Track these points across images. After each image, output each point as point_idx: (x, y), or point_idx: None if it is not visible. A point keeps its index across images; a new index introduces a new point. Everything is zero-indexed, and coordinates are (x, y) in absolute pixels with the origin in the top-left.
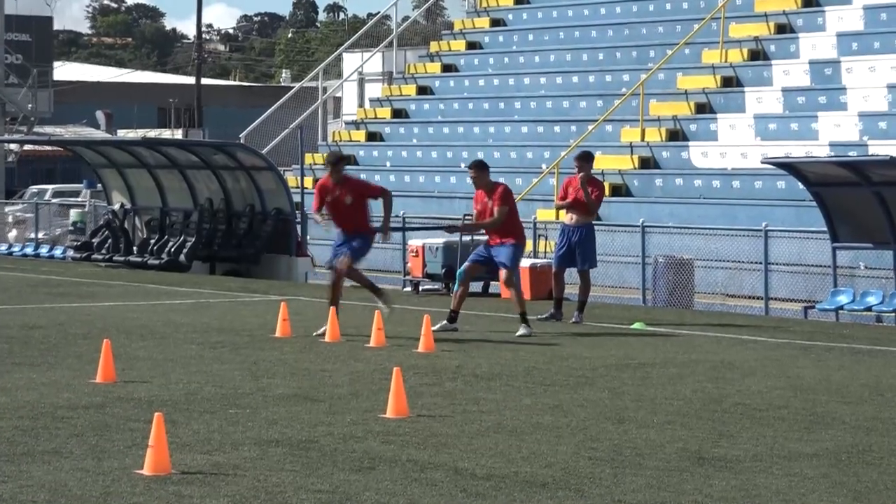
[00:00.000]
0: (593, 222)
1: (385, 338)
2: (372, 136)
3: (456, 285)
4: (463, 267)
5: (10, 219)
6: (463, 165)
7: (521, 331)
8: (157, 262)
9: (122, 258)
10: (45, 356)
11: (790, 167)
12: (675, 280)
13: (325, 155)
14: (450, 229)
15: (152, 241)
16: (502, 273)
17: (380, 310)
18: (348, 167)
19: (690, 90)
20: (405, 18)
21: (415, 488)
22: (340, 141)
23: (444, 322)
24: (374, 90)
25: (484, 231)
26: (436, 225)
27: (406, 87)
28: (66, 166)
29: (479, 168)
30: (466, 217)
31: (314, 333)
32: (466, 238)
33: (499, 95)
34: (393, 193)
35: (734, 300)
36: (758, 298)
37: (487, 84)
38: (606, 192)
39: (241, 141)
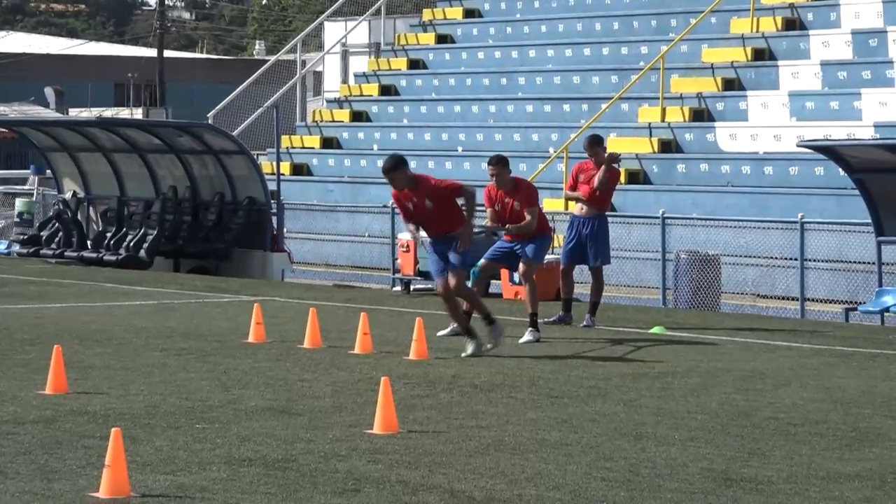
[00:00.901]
0: (607, 213)
1: (372, 343)
2: (357, 116)
3: (469, 284)
4: (478, 264)
5: None
6: (460, 149)
7: (527, 336)
8: (114, 258)
9: (74, 254)
10: None
11: (830, 151)
12: (700, 279)
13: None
14: (487, 234)
15: (109, 235)
16: (522, 265)
17: (478, 340)
18: (331, 151)
19: (717, 64)
20: None
21: None
22: (322, 121)
23: (454, 325)
24: (360, 64)
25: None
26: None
27: (395, 60)
28: (10, 150)
29: (503, 164)
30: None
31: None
32: None
33: (500, 70)
34: (381, 180)
35: (766, 301)
36: (793, 299)
37: (488, 57)
38: (622, 178)
39: (209, 121)
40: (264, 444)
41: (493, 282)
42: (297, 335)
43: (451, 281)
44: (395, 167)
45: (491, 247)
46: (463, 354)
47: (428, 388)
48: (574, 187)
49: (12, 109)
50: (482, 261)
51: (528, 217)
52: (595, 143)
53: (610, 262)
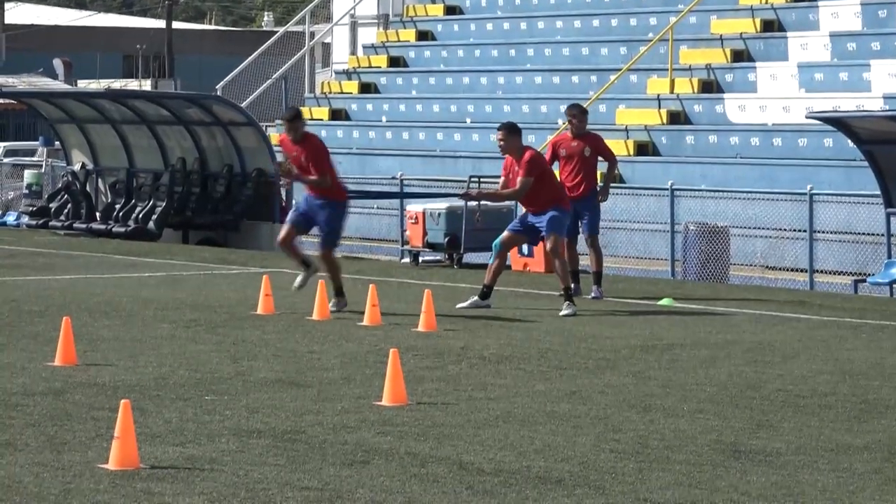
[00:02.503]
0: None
1: (381, 315)
2: (366, 88)
3: (491, 257)
4: (500, 237)
5: None
6: (469, 121)
7: (566, 310)
8: (122, 229)
9: (83, 225)
10: None
11: (839, 122)
12: (708, 250)
13: (286, 112)
14: (465, 197)
15: (118, 207)
16: (548, 240)
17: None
18: (340, 122)
19: (726, 35)
20: None
21: (414, 484)
22: (330, 93)
23: (475, 298)
24: (368, 35)
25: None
26: (442, 191)
27: (404, 31)
28: (19, 121)
29: (509, 131)
30: (472, 180)
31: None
32: (472, 203)
33: (509, 41)
34: (390, 152)
35: (775, 273)
36: (801, 271)
37: (496, 28)
38: (631, 150)
39: (218, 93)
40: (273, 416)
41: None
42: (306, 307)
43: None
44: (296, 118)
45: (512, 221)
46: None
47: (437, 359)
48: (553, 160)
49: (21, 81)
50: (504, 233)
51: (518, 184)
52: (584, 112)
53: (598, 231)
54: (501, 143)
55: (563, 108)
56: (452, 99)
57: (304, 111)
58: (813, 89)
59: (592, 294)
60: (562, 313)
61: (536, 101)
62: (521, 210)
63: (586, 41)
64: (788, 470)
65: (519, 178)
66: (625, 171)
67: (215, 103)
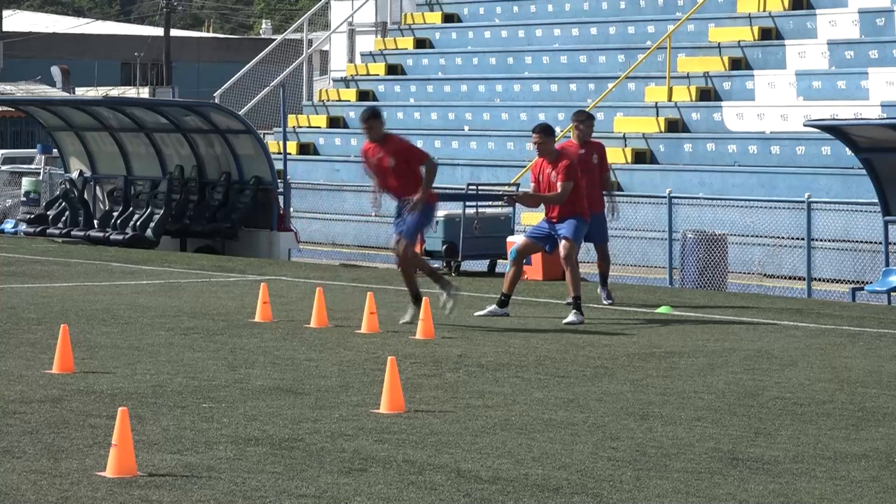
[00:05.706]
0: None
1: (378, 323)
2: (364, 96)
3: (507, 265)
4: (516, 244)
5: None
6: (467, 129)
7: (571, 318)
8: (120, 237)
9: (81, 233)
10: None
11: (837, 130)
12: (706, 258)
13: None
14: (508, 200)
15: (115, 214)
16: (563, 247)
17: (442, 302)
18: (338, 130)
19: (724, 43)
20: None
21: (412, 492)
22: (328, 100)
23: (493, 307)
24: (366, 43)
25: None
26: (487, 193)
27: (402, 39)
28: (17, 129)
29: (546, 133)
30: (470, 187)
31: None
32: (470, 211)
33: (507, 49)
34: None
35: (773, 281)
36: (799, 279)
37: (494, 36)
38: (629, 158)
39: (216, 100)
40: (271, 424)
41: (500, 261)
42: (304, 314)
43: (401, 247)
44: (372, 116)
45: (529, 229)
46: (400, 321)
47: (434, 367)
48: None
49: (19, 88)
50: (521, 240)
51: (559, 188)
52: (590, 118)
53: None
54: (538, 144)
55: (560, 115)
56: (450, 107)
57: (302, 119)
58: (811, 97)
59: (609, 300)
60: (566, 321)
61: (534, 109)
62: (520, 218)
63: (584, 49)
64: (786, 478)
65: (560, 182)
66: (623, 179)
67: (213, 111)
